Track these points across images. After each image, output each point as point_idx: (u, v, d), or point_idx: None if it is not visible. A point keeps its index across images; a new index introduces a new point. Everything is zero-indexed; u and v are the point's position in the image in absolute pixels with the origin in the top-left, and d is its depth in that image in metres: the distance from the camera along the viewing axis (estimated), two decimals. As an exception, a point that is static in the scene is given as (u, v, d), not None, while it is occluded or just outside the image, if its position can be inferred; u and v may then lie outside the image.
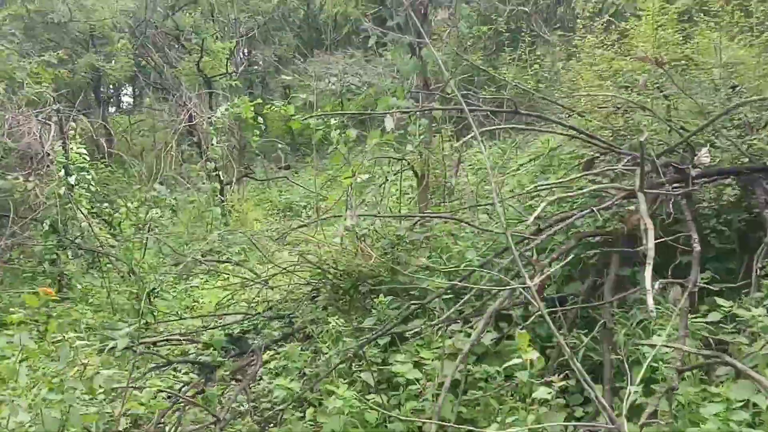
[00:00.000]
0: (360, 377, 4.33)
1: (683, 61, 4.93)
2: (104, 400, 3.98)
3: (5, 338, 3.97)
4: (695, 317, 3.53)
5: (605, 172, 4.08)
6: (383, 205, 6.00)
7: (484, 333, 3.67)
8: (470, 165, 7.05)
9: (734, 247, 4.19)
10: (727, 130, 4.34)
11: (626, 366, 3.18)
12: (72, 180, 7.98)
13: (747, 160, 4.15)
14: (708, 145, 4.11)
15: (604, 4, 5.78)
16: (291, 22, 18.72)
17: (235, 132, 12.96)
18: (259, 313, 5.88)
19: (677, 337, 3.20)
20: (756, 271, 3.65)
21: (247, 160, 14.72)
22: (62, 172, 7.90)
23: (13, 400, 2.85)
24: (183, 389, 4.88)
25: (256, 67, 18.85)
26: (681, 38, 5.08)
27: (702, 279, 3.69)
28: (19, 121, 8.05)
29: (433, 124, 6.21)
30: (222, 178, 11.39)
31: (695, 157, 3.97)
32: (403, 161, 6.18)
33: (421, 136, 5.90)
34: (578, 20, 5.71)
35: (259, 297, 6.16)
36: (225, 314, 6.16)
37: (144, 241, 6.88)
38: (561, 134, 4.55)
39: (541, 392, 2.90)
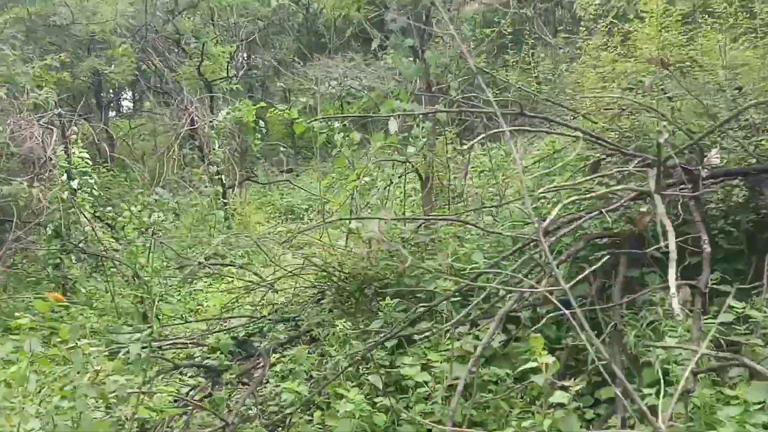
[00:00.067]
0: (367, 380, 4.32)
1: (687, 63, 4.94)
2: (112, 405, 3.97)
3: (11, 343, 3.95)
4: (707, 318, 3.52)
5: (613, 174, 4.07)
6: (388, 207, 6.00)
7: (495, 335, 3.66)
8: (472, 167, 7.06)
9: (742, 248, 4.18)
10: (734, 131, 4.35)
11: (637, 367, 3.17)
12: (75, 184, 7.98)
13: (754, 161, 4.15)
14: (717, 146, 4.12)
15: (606, 7, 5.79)
16: (290, 26, 18.73)
17: (236, 135, 12.97)
18: (264, 316, 5.87)
19: (692, 339, 3.19)
20: (767, 272, 3.64)
21: (249, 164, 14.73)
22: (65, 177, 7.90)
23: (23, 407, 2.84)
24: (190, 393, 4.87)
25: (254, 71, 18.86)
26: (685, 40, 5.09)
27: (711, 280, 3.69)
28: (21, 125, 8.05)
29: (437, 127, 6.22)
30: (224, 182, 11.40)
31: (705, 158, 3.97)
32: (407, 164, 6.19)
33: (425, 139, 5.91)
34: (581, 22, 5.71)
35: (264, 300, 6.16)
36: (230, 317, 6.15)
37: (149, 245, 6.87)
38: (568, 135, 4.55)
39: (558, 396, 2.89)
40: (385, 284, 5.04)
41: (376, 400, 4.10)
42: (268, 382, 5.14)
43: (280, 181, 14.01)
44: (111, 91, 19.62)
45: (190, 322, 6.53)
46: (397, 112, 5.14)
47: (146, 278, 6.70)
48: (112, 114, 20.47)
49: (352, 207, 6.14)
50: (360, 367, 4.49)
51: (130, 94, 22.02)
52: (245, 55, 18.81)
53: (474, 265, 4.68)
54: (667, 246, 3.04)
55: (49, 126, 8.27)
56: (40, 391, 3.69)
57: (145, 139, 16.40)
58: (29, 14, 10.70)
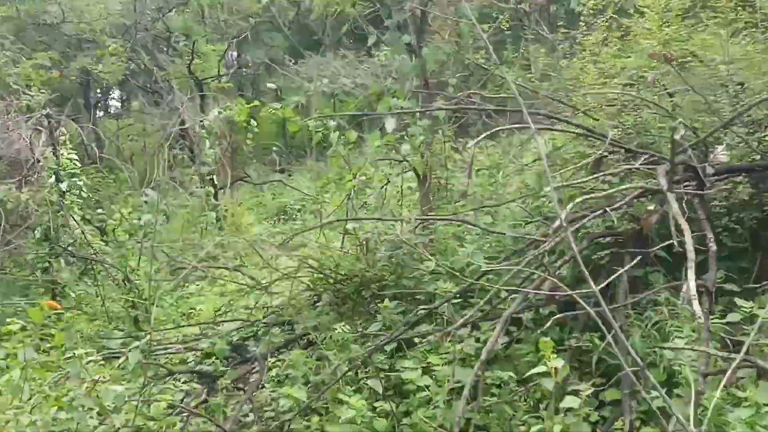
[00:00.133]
0: (367, 384, 4.23)
1: (688, 58, 4.87)
2: (107, 414, 3.85)
3: (2, 351, 3.83)
4: (713, 318, 3.46)
5: (620, 171, 4.00)
6: (386, 207, 5.91)
7: (500, 337, 3.58)
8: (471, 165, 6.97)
9: (746, 245, 4.13)
10: (737, 127, 4.29)
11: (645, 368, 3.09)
12: (63, 186, 7.82)
13: (758, 157, 4.10)
14: (724, 143, 4.06)
15: (605, 1, 5.72)
16: (282, 23, 18.58)
17: (227, 135, 12.81)
18: (259, 319, 5.76)
19: (699, 340, 3.12)
20: (774, 270, 3.59)
21: (240, 164, 14.58)
22: (53, 179, 7.73)
23: (18, 419, 2.73)
24: (185, 400, 4.75)
25: (245, 70, 18.72)
26: (685, 35, 5.02)
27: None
28: (9, 127, 7.88)
29: (435, 127, 6.13)
30: (216, 183, 11.25)
31: (712, 155, 3.91)
32: (404, 162, 6.09)
33: (422, 137, 5.81)
34: (581, 17, 5.65)
35: (258, 303, 6.04)
36: (224, 321, 6.04)
37: (140, 248, 6.73)
38: (570, 132, 4.47)
39: (569, 401, 2.81)
40: (383, 286, 4.95)
41: (376, 404, 4.02)
42: (264, 387, 5.03)
43: (273, 181, 13.87)
44: (99, 90, 19.42)
45: (183, 326, 6.39)
46: (394, 110, 5.04)
47: (137, 282, 6.57)
48: (99, 114, 20.26)
49: (349, 207, 6.04)
50: (359, 371, 4.40)
51: (117, 93, 21.82)
52: (235, 53, 18.66)
53: (474, 266, 4.60)
54: (676, 245, 2.96)
55: (38, 127, 8.10)
56: (30, 398, 3.58)
57: (133, 140, 16.22)
58: (18, 12, 10.52)
